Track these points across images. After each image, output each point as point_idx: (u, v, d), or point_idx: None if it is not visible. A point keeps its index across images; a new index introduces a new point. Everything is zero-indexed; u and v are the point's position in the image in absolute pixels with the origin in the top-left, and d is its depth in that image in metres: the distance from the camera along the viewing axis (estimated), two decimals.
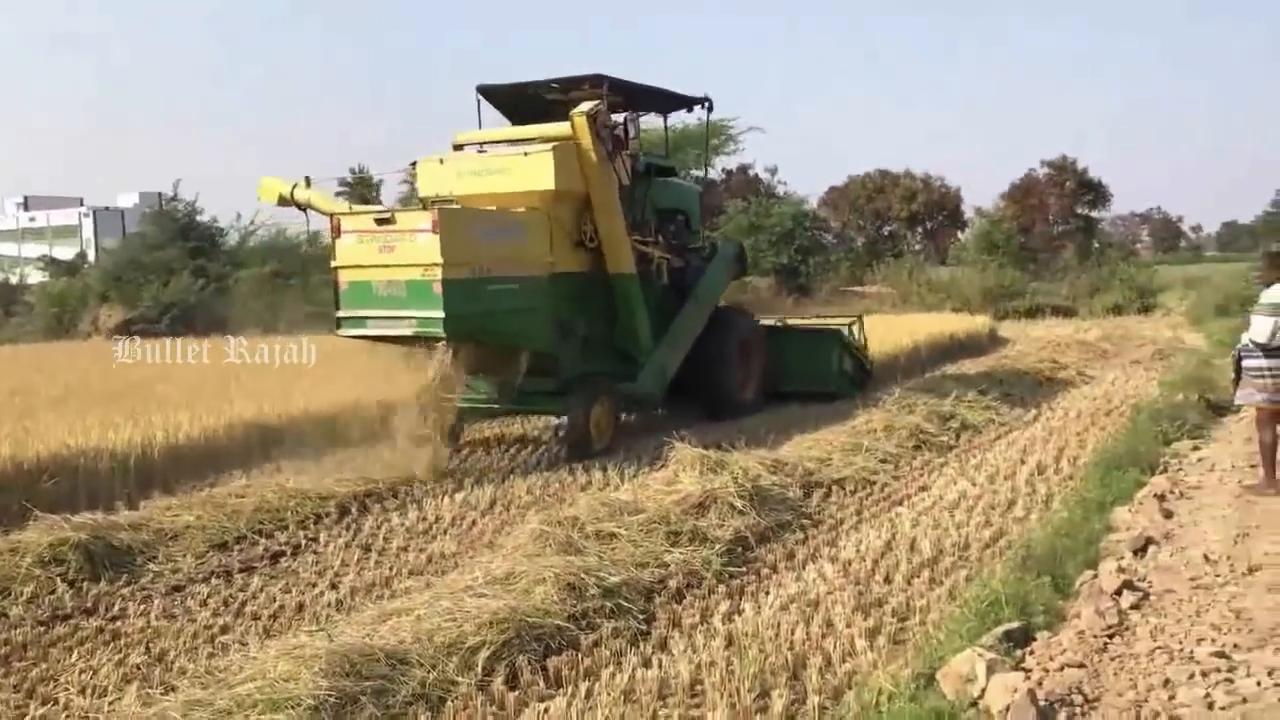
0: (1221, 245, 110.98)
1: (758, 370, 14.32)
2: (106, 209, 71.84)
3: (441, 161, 11.90)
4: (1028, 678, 4.54)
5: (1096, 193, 60.81)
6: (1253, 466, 8.57)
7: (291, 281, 35.73)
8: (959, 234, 60.86)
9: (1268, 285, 7.97)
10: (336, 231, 10.78)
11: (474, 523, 8.53)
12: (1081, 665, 4.72)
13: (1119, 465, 9.12)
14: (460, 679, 5.14)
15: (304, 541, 8.08)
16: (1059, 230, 57.75)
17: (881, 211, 62.98)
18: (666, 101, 14.12)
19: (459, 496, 9.31)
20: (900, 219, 63.22)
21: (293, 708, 4.68)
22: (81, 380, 15.24)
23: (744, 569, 7.14)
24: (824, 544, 7.77)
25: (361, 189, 70.40)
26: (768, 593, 6.62)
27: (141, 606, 6.61)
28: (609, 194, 11.79)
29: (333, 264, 10.83)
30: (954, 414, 12.63)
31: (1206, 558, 6.32)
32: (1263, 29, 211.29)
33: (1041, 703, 4.22)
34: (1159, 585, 5.91)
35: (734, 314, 14.78)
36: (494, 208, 11.34)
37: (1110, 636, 5.11)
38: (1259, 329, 7.82)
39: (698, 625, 6.06)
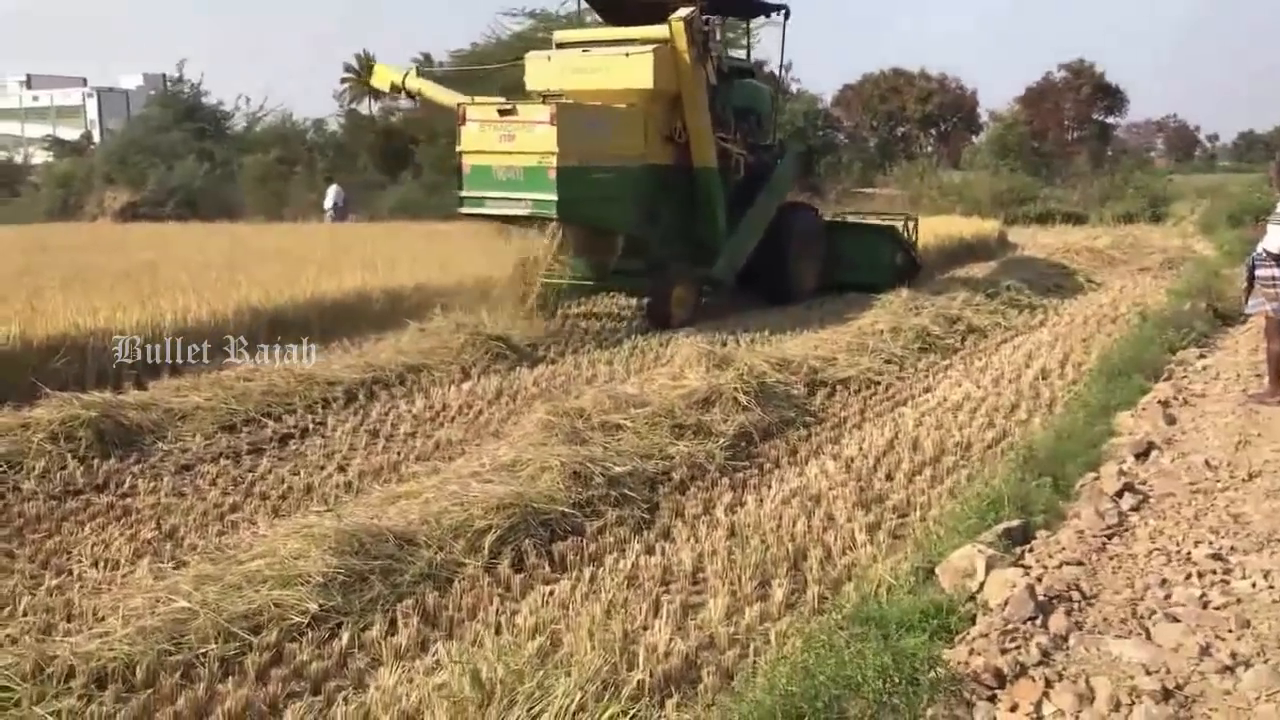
0: (1237, 155, 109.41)
1: (818, 262, 15.39)
2: (111, 90, 70.76)
3: (549, 58, 13.09)
4: (1026, 574, 4.61)
5: (1113, 99, 59.81)
6: (1258, 375, 8.57)
7: (297, 170, 35.44)
8: (973, 137, 60.03)
9: None
10: (462, 119, 12.03)
11: (480, 411, 8.59)
12: (1080, 563, 4.78)
13: (1124, 371, 9.11)
14: (467, 560, 5.24)
15: (311, 425, 8.13)
16: (1074, 136, 56.99)
17: (895, 112, 61.92)
18: (749, 7, 15.17)
19: (465, 386, 9.36)
20: (914, 120, 62.23)
21: (302, 584, 4.77)
22: (89, 261, 15.21)
23: (747, 463, 7.22)
24: (827, 441, 7.84)
25: (367, 74, 69.47)
26: (770, 487, 6.70)
27: (151, 484, 6.69)
28: (699, 93, 12.75)
29: (458, 149, 12.13)
30: (960, 317, 12.63)
31: (1207, 463, 6.37)
32: None
33: (1040, 597, 4.30)
34: (1159, 489, 5.97)
35: (799, 209, 15.89)
36: (598, 103, 12.33)
37: (1109, 537, 5.18)
38: (1274, 238, 7.76)
39: (700, 516, 6.15)
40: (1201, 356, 10.04)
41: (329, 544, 5.04)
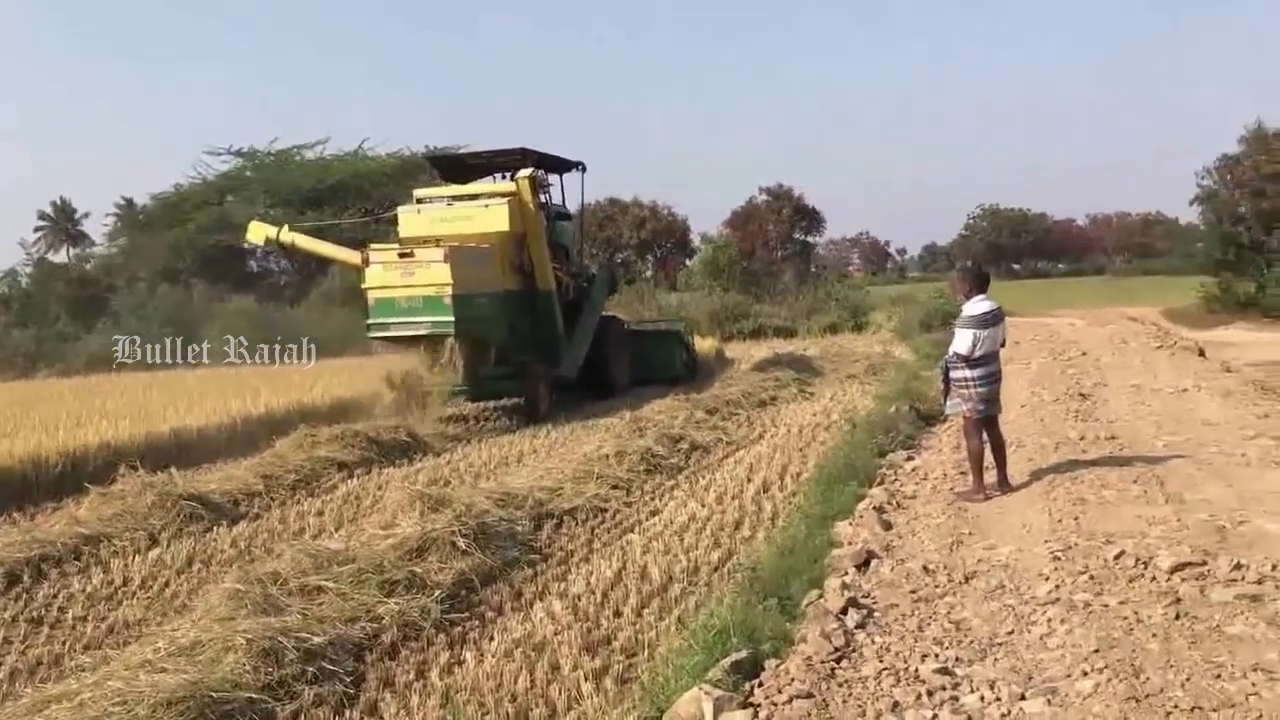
0: (923, 266, 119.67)
1: (627, 361, 19.24)
2: None
3: (419, 211, 16.41)
4: (755, 715, 4.31)
5: (812, 219, 64.13)
6: (962, 473, 8.86)
7: None
8: (687, 261, 62.56)
9: (967, 298, 8.24)
10: (366, 262, 14.93)
11: (167, 583, 7.66)
12: (810, 695, 4.54)
13: (839, 479, 9.23)
14: None
15: None
16: (779, 254, 60.41)
17: (613, 239, 63.86)
18: (560, 165, 18.34)
19: (152, 554, 8.38)
20: (631, 246, 64.32)
21: None
22: None
23: (467, 614, 6.68)
24: (553, 579, 7.43)
25: (63, 220, 65.78)
26: (492, 639, 6.20)
27: None
28: (540, 233, 16.48)
29: (364, 286, 14.93)
30: (683, 435, 12.63)
31: (925, 568, 6.38)
32: (955, 61, 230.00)
33: None
34: (882, 600, 5.89)
35: (611, 320, 19.57)
36: (471, 244, 15.37)
37: (838, 660, 4.98)
38: (961, 342, 8.08)
39: (412, 683, 5.56)
40: (910, 458, 10.36)
41: None
